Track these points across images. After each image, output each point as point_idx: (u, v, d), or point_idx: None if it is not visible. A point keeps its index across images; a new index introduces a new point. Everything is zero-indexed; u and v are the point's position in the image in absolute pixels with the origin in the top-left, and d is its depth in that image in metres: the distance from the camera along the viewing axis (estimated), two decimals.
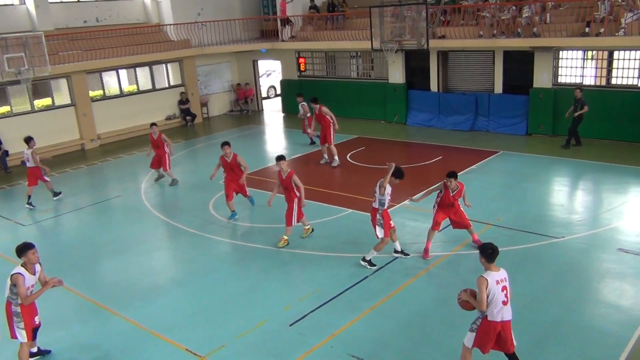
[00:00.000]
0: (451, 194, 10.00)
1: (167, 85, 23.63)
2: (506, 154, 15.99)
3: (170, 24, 23.55)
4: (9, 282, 7.41)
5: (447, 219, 10.25)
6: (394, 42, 18.72)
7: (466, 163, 15.21)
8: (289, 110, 24.64)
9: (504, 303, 6.36)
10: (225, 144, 12.54)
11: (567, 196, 13.08)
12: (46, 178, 14.55)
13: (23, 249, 7.45)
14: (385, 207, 9.63)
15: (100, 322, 8.80)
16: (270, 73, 29.84)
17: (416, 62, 20.81)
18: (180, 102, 23.72)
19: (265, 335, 8.11)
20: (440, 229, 10.30)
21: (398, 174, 9.62)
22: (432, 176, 14.69)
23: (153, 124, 15.57)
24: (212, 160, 17.90)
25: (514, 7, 17.83)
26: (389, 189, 9.58)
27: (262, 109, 26.52)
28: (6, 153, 18.59)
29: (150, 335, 8.31)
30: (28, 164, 14.30)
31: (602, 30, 15.96)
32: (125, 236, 12.19)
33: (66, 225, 13.27)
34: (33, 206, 14.33)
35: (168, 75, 23.70)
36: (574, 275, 9.28)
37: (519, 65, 18.46)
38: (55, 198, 14.85)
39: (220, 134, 21.83)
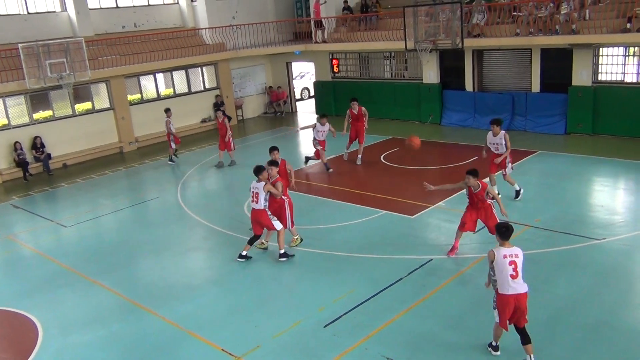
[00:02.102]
0: (474, 192, 9.77)
1: (202, 89, 23.93)
2: (544, 154, 15.67)
3: (205, 28, 23.86)
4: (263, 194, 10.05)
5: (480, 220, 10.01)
6: (428, 42, 18.57)
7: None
8: (322, 110, 24.61)
9: (513, 277, 6.76)
10: (274, 148, 11.76)
11: (607, 196, 12.74)
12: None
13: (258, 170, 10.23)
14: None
15: (138, 321, 8.96)
16: (304, 75, 29.94)
17: (451, 62, 20.58)
18: (216, 105, 23.98)
19: (300, 336, 8.12)
20: (474, 230, 10.12)
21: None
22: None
23: (217, 109, 18.09)
24: (247, 162, 18.08)
25: (551, 4, 17.47)
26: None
27: (296, 111, 26.61)
28: (49, 156, 19.12)
29: (187, 335, 8.42)
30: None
31: None
32: (162, 237, 12.37)
33: (105, 227, 13.56)
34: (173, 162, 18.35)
35: (204, 78, 24.00)
36: (616, 278, 9.03)
37: (557, 63, 18.08)
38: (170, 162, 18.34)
39: (255, 135, 21.98)
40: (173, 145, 18.37)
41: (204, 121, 23.75)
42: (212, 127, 23.60)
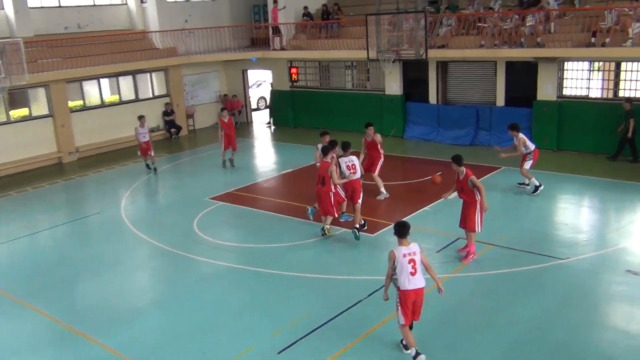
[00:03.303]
0: (460, 178, 10.56)
1: (151, 96, 23.64)
2: (509, 170, 16.03)
3: (155, 31, 23.62)
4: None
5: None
6: (391, 52, 18.81)
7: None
8: (279, 122, 24.69)
9: (412, 274, 7.59)
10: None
11: (572, 214, 13.11)
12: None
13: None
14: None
15: (75, 349, 8.69)
16: (261, 83, 29.93)
17: (414, 73, 20.91)
18: (165, 114, 23.71)
19: None
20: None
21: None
22: (431, 192, 14.70)
23: (224, 109, 18.61)
24: (198, 175, 17.91)
25: (516, 16, 17.99)
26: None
27: (252, 121, 26.56)
28: None
29: None
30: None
31: (607, 40, 16.12)
32: (103, 256, 12.10)
33: (41, 244, 13.17)
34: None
35: (152, 85, 23.72)
36: (580, 299, 9.26)
37: (522, 77, 18.57)
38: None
39: (207, 147, 21.79)
40: (151, 153, 18.12)
41: (152, 130, 23.40)
42: (162, 137, 23.31)
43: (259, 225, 13.33)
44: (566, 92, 17.93)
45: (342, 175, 12.16)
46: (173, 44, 23.57)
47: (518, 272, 10.18)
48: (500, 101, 19.05)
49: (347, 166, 12.32)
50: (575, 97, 17.76)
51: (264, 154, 20.47)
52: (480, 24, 18.74)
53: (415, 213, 13.21)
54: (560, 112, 17.75)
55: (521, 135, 13.97)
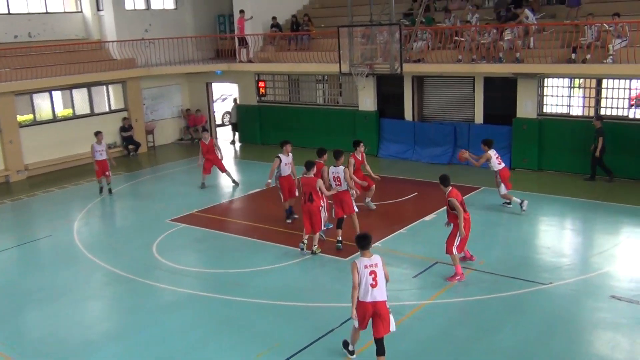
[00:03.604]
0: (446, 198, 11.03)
1: (107, 110, 23.42)
2: (488, 190, 16.25)
3: (113, 41, 23.48)
4: None
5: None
6: (364, 66, 18.98)
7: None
8: (246, 139, 24.67)
9: (372, 286, 7.96)
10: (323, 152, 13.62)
11: (554, 237, 13.33)
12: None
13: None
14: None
15: None
16: (226, 97, 29.92)
17: (389, 88, 21.15)
18: (123, 129, 23.50)
19: None
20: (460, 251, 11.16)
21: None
22: (407, 214, 14.81)
23: (205, 130, 18.72)
24: (158, 195, 17.75)
25: (494, 30, 18.39)
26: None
27: (216, 138, 26.46)
28: None
29: None
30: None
31: (588, 56, 16.57)
32: (54, 283, 11.89)
33: None
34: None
35: (109, 98, 23.52)
36: (563, 326, 9.40)
37: (501, 93, 18.93)
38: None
39: (167, 165, 21.64)
40: (108, 173, 17.78)
41: (109, 147, 23.15)
42: (119, 155, 23.08)
43: (224, 248, 13.28)
44: (546, 109, 18.32)
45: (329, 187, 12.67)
46: (132, 55, 23.46)
47: (499, 298, 10.29)
48: (479, 118, 19.38)
49: (333, 177, 12.62)
50: (556, 114, 18.16)
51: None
52: (457, 38, 19.10)
53: (390, 236, 13.28)
54: (540, 130, 18.11)
55: (489, 152, 14.44)
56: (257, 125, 24.25)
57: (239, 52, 23.93)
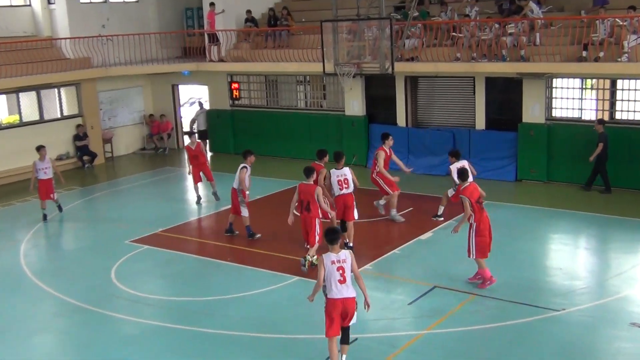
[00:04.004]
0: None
1: (59, 116, 23.27)
2: (491, 205, 16.19)
3: (65, 38, 23.35)
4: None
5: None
6: (351, 65, 19.05)
7: (446, 216, 15.40)
8: (217, 148, 24.57)
9: (340, 282, 8.54)
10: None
11: (566, 257, 13.36)
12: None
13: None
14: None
15: None
16: (195, 101, 29.84)
17: (379, 90, 21.19)
18: (77, 138, 23.32)
19: None
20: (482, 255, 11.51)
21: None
22: (401, 232, 14.79)
23: (193, 134, 18.66)
24: (117, 213, 17.59)
25: (496, 25, 18.49)
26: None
27: (184, 147, 26.35)
28: None
29: None
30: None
31: (601, 54, 16.72)
32: None
33: None
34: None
35: (61, 102, 23.36)
36: (578, 357, 9.37)
37: (505, 95, 19.05)
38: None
39: (128, 178, 21.50)
40: (54, 196, 17.11)
41: (60, 158, 23.00)
42: (73, 167, 22.89)
43: (193, 273, 13.20)
44: (556, 113, 18.45)
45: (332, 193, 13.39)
46: (87, 54, 23.33)
47: (505, 327, 10.26)
48: (481, 124, 19.46)
49: (339, 181, 13.11)
50: (567, 119, 18.30)
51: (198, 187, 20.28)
52: (454, 34, 19.18)
53: (382, 257, 13.25)
54: (549, 136, 18.21)
55: (456, 164, 14.55)
56: (229, 133, 24.20)
57: (209, 50, 23.90)
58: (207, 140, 25.03)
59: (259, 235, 14.76)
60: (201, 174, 17.87)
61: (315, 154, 14.35)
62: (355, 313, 8.75)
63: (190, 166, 17.81)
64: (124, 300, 11.98)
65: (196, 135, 18.83)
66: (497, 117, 19.28)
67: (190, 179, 18.15)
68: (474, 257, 11.47)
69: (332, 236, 8.67)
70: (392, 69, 18.41)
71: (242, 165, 14.55)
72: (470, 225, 11.39)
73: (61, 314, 11.74)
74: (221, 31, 23.56)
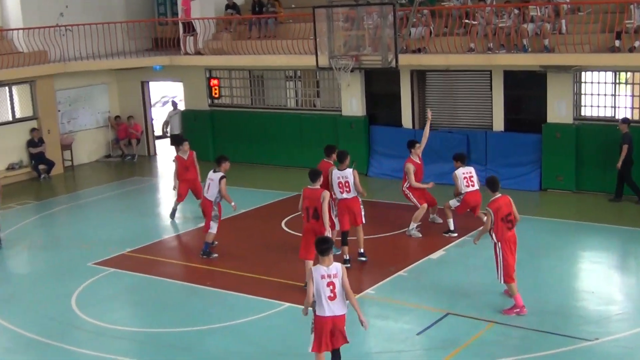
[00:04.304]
0: None
1: (10, 119, 23.25)
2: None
3: (18, 29, 23.32)
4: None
5: None
6: (348, 58, 19.06)
7: (460, 232, 15.39)
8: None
9: (330, 298, 8.81)
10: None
11: (600, 278, 13.34)
12: None
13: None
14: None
15: None
16: (169, 100, 29.81)
17: (381, 86, 21.23)
18: (31, 144, 23.24)
19: None
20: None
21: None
22: (408, 251, 14.78)
23: (184, 140, 17.89)
24: (78, 230, 17.53)
25: (516, 11, 18.53)
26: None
27: (155, 154, 26.31)
28: None
29: None
30: None
31: (637, 44, 16.78)
32: None
33: None
34: None
35: (13, 103, 23.34)
36: None
37: (527, 92, 19.09)
38: None
39: (91, 190, 21.46)
40: None
41: (12, 168, 22.94)
42: (27, 177, 22.84)
43: (166, 300, 13.14)
44: (585, 112, 18.49)
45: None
46: (43, 47, 23.31)
47: (531, 359, 10.22)
48: (499, 125, 19.48)
49: (339, 183, 13.76)
50: (598, 118, 18.35)
51: (172, 200, 20.23)
52: (468, 21, 19.20)
53: (387, 280, 13.20)
54: (578, 139, 18.22)
55: (462, 170, 15.48)
56: (209, 137, 24.17)
57: (184, 41, 23.90)
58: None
59: (215, 255, 14.91)
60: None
61: (326, 149, 14.94)
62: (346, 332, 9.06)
63: (177, 181, 17.38)
64: (86, 332, 11.93)
65: (188, 142, 17.86)
66: (518, 117, 19.33)
67: (172, 194, 17.91)
68: (502, 281, 11.59)
69: (323, 246, 8.93)
70: (396, 62, 18.41)
71: (220, 174, 14.63)
72: (495, 243, 11.49)
73: (15, 349, 11.66)
74: (198, 20, 23.57)
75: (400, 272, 13.58)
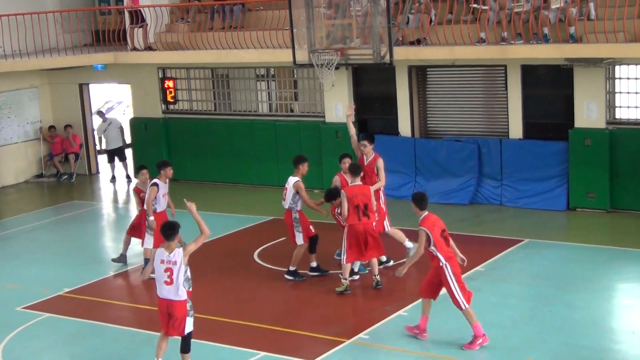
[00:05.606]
0: None
1: None
2: (535, 244, 16.36)
3: None
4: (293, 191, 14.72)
5: None
6: (333, 52, 19.10)
7: (468, 261, 15.42)
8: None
9: (167, 283, 10.70)
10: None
11: None
12: None
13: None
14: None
15: None
16: (113, 107, 29.82)
17: (373, 87, 21.31)
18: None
19: None
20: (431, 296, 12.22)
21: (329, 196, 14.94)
22: (408, 286, 14.81)
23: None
24: (3, 268, 17.45)
25: None
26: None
27: (98, 172, 26.27)
28: None
29: None
30: None
31: None
32: None
33: None
34: None
35: None
36: None
37: (550, 91, 19.21)
38: None
39: (18, 218, 21.38)
40: None
41: None
42: None
43: (113, 350, 13.08)
44: (621, 114, 18.60)
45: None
46: None
47: None
48: (516, 131, 19.56)
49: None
50: (636, 122, 18.43)
51: (116, 229, 20.19)
52: (476, 6, 19.19)
53: (384, 321, 13.18)
54: (612, 147, 18.31)
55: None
56: (162, 150, 24.12)
57: (131, 34, 23.90)
58: (125, 162, 24.96)
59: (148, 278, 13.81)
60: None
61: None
62: (189, 322, 10.86)
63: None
64: None
65: (146, 170, 16.41)
66: (539, 121, 19.39)
67: (120, 226, 17.72)
68: (464, 308, 11.79)
69: (167, 232, 10.83)
70: (391, 56, 18.45)
71: (152, 181, 15.15)
72: (443, 266, 11.78)
73: None
74: (148, 7, 23.57)
75: (400, 312, 13.52)
